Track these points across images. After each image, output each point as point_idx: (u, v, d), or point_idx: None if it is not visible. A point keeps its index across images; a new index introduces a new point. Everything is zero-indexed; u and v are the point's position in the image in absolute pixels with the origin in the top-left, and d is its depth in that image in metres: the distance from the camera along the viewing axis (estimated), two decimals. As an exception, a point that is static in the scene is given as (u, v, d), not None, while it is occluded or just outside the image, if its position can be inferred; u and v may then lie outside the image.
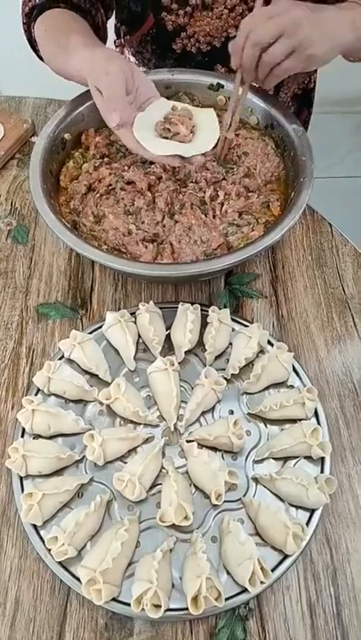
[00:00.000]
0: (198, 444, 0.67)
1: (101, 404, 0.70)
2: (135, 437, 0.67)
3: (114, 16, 1.02)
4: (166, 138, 0.73)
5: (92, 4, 0.87)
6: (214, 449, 0.67)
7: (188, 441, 0.67)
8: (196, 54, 0.96)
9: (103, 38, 0.91)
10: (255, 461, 0.67)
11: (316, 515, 0.63)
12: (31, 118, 1.00)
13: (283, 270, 0.84)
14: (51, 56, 0.83)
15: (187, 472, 0.66)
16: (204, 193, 0.78)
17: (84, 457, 0.67)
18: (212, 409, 0.71)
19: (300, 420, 0.69)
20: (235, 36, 0.94)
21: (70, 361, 0.74)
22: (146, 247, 0.75)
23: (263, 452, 0.67)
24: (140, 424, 0.70)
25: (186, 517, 0.61)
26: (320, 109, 1.22)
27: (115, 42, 1.09)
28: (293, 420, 0.69)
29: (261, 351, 0.74)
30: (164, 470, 0.66)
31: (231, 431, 0.65)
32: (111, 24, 0.98)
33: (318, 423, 0.69)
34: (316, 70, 1.12)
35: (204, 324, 0.76)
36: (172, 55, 0.97)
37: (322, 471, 0.66)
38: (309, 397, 0.68)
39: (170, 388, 0.69)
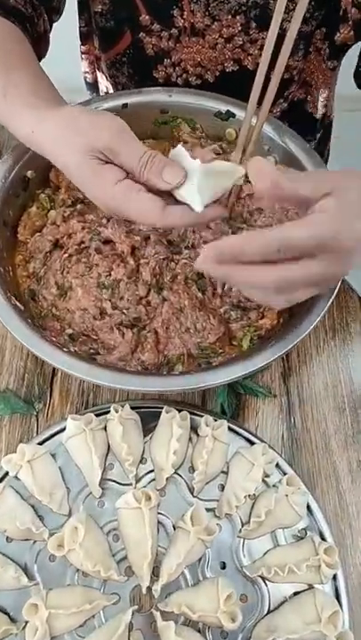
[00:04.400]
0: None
1: (53, 545, 0.54)
2: (94, 607, 0.50)
3: (77, 19, 0.82)
4: None
5: (35, 8, 0.67)
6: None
7: (163, 612, 0.51)
8: (182, 87, 0.77)
9: (44, 50, 0.72)
10: (251, 643, 0.51)
11: None
12: (-6, 136, 0.80)
13: (297, 359, 0.66)
14: None
15: (160, 656, 0.50)
16: (203, 264, 0.60)
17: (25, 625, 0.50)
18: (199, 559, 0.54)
19: (313, 586, 0.52)
20: (233, 71, 0.77)
21: (17, 478, 0.57)
22: (123, 335, 0.58)
23: (263, 635, 0.50)
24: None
25: None
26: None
27: (80, 48, 0.89)
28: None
29: (267, 476, 0.57)
30: (129, 654, 0.49)
31: (222, 610, 0.49)
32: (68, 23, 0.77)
33: (336, 592, 0.52)
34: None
35: (193, 428, 0.59)
36: (152, 85, 0.78)
37: (339, 665, 0.50)
38: (328, 562, 0.51)
39: (143, 536, 0.52)
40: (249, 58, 0.74)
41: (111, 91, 0.89)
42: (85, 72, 0.93)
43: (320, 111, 0.90)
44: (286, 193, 0.43)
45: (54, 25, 0.74)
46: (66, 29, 0.78)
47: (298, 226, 0.42)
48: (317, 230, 0.41)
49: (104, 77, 0.88)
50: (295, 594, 0.53)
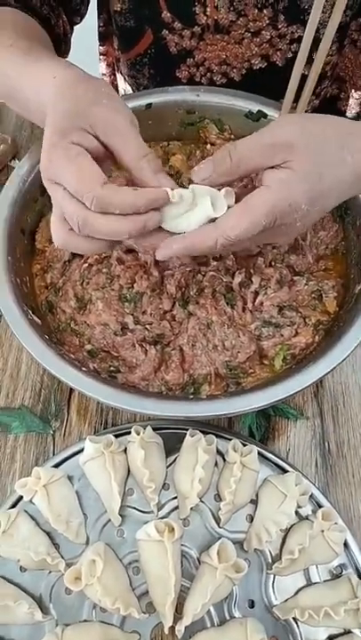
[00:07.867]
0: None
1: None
2: (113, 647, 0.47)
3: (96, 19, 0.78)
4: None
5: (52, 9, 0.62)
6: (224, 663, 0.47)
7: (187, 655, 0.47)
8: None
9: (64, 53, 0.67)
10: None
11: None
12: (11, 136, 0.77)
13: (331, 379, 0.61)
14: None
15: None
16: (232, 277, 0.56)
17: (39, 665, 0.47)
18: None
19: (351, 630, 0.48)
20: (260, 69, 0.70)
21: (31, 503, 0.54)
22: (146, 352, 0.54)
23: None
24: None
25: None
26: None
27: (99, 49, 0.85)
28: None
29: (299, 507, 0.53)
30: None
31: (251, 656, 0.45)
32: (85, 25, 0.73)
33: (377, 638, 0.48)
34: None
35: (219, 452, 0.55)
36: (174, 85, 0.74)
37: None
38: (368, 607, 0.47)
39: (166, 572, 0.48)
40: (278, 53, 0.70)
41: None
42: (103, 74, 0.89)
43: (354, 109, 0.85)
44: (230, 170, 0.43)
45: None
46: (83, 30, 0.75)
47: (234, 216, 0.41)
48: (256, 214, 0.41)
49: (123, 79, 0.84)
50: (330, 638, 0.49)
